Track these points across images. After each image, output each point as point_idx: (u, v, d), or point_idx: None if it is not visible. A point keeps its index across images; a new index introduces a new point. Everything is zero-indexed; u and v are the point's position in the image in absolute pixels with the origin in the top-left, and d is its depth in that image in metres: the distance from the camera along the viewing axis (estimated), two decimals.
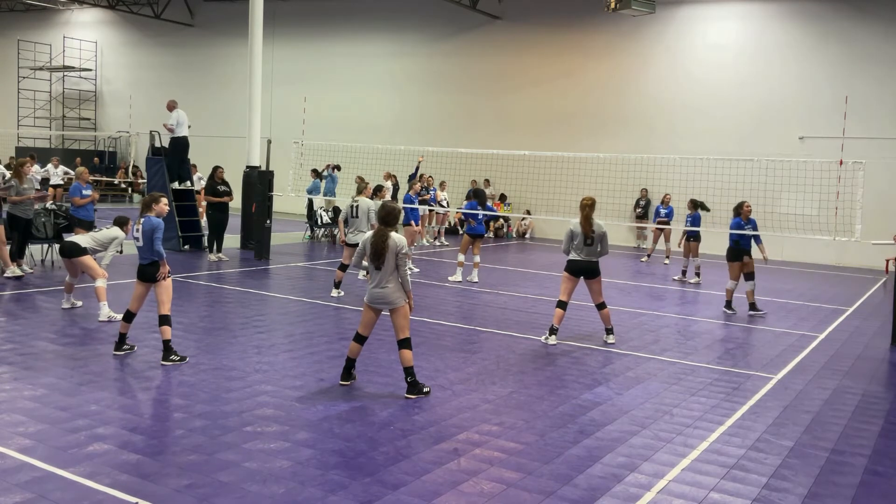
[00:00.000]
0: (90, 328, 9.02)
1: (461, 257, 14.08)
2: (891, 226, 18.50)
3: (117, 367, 7.47)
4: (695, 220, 15.31)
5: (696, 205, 15.40)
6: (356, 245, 11.77)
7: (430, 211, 20.90)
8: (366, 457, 5.45)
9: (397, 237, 6.95)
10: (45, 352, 7.89)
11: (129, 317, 7.95)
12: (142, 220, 7.79)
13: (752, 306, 12.06)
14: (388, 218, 7.00)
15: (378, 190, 13.78)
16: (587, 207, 9.31)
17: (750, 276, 12.06)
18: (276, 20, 27.45)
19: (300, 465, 5.25)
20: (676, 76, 22.76)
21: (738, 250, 12.04)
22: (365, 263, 7.15)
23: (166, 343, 7.69)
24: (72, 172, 23.67)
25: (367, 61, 27.31)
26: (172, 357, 7.67)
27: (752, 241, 12.26)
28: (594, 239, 9.25)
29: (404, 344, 6.95)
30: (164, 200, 7.94)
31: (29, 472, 4.93)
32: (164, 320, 7.69)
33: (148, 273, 7.78)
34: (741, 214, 12.23)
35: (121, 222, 10.12)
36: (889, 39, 20.20)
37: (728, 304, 12.23)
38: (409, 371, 6.96)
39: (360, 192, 12.72)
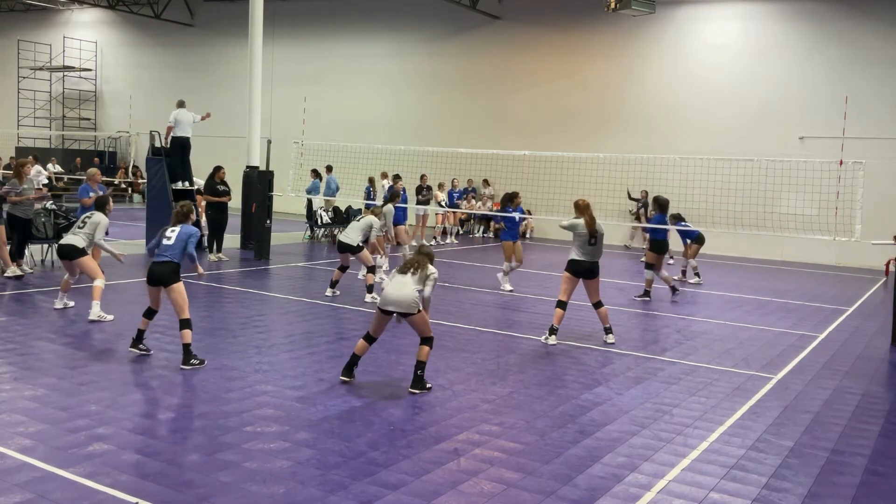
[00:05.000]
0: (90, 328, 9.02)
1: (507, 265, 13.32)
2: (891, 226, 18.54)
3: (117, 367, 7.46)
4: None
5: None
6: (346, 248, 11.77)
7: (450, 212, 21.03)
8: (366, 457, 5.45)
9: (432, 269, 7.22)
10: (45, 352, 7.89)
11: (149, 313, 7.98)
12: (179, 226, 7.92)
13: (648, 293, 13.11)
14: (431, 257, 7.36)
15: (394, 197, 14.15)
16: (589, 207, 9.45)
17: (652, 267, 13.08)
18: (276, 20, 27.43)
19: (300, 465, 5.25)
20: (676, 76, 22.76)
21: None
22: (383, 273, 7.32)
23: (186, 347, 7.57)
24: (43, 174, 23.62)
25: (368, 61, 27.30)
26: (192, 361, 7.56)
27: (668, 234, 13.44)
28: (598, 238, 9.38)
29: (426, 342, 7.11)
30: (195, 212, 8.46)
31: (29, 472, 4.92)
32: (184, 324, 7.62)
33: (156, 274, 7.71)
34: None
35: (101, 203, 10.00)
36: (889, 39, 20.20)
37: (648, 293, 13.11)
38: (420, 365, 7.08)
39: (387, 201, 13.08)
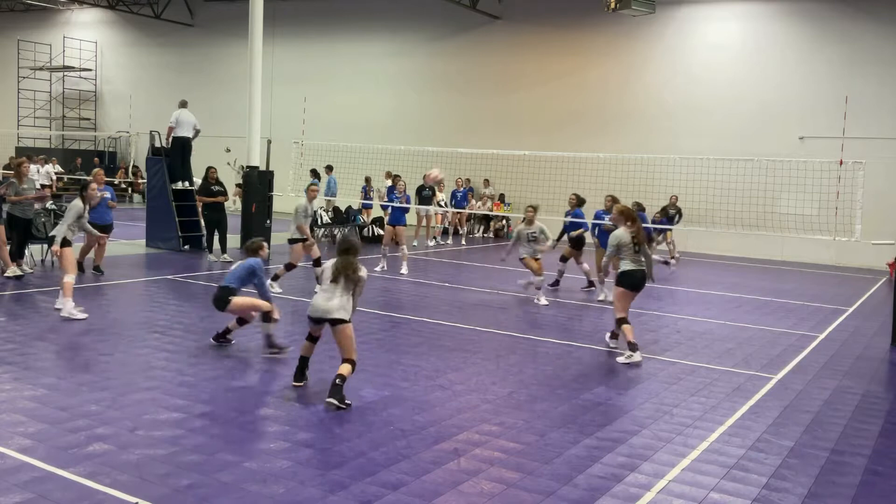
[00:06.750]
0: (90, 328, 9.02)
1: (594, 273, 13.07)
2: (891, 226, 18.52)
3: (117, 367, 7.46)
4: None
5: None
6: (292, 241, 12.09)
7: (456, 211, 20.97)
8: (366, 457, 5.45)
9: (362, 272, 6.87)
10: (45, 352, 7.89)
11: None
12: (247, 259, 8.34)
13: (592, 283, 13.39)
14: (356, 249, 6.99)
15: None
16: (634, 214, 8.86)
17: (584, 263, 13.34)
18: (276, 20, 27.42)
19: (300, 465, 5.25)
20: (676, 76, 22.76)
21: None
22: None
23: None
24: (52, 174, 23.64)
25: (368, 61, 27.30)
26: (273, 347, 8.12)
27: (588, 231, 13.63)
28: (642, 245, 8.82)
29: (348, 363, 6.67)
30: (266, 248, 8.63)
31: (29, 472, 4.92)
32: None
33: (214, 297, 8.20)
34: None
35: (82, 187, 10.36)
36: (889, 39, 20.20)
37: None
38: (341, 377, 6.55)
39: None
